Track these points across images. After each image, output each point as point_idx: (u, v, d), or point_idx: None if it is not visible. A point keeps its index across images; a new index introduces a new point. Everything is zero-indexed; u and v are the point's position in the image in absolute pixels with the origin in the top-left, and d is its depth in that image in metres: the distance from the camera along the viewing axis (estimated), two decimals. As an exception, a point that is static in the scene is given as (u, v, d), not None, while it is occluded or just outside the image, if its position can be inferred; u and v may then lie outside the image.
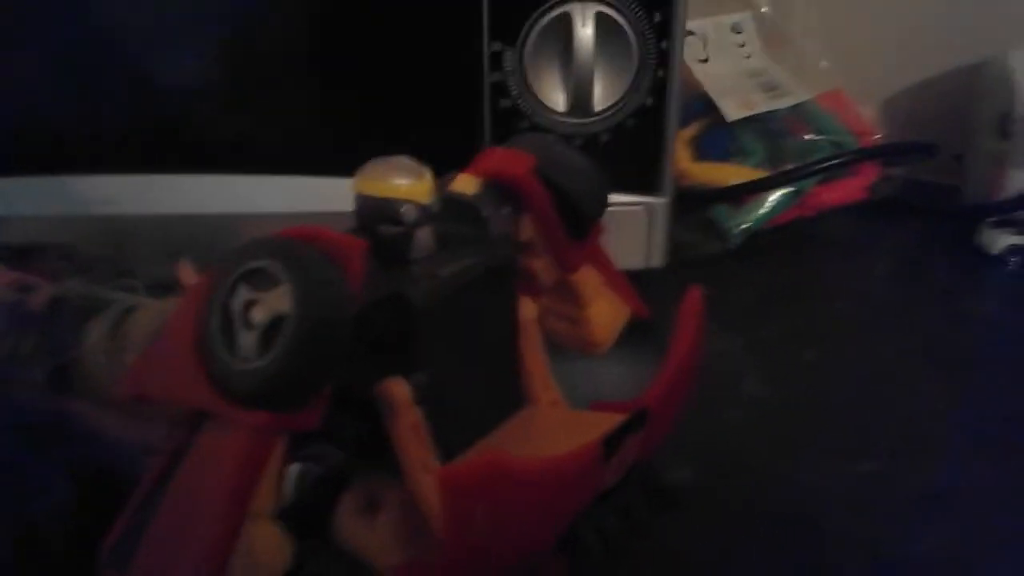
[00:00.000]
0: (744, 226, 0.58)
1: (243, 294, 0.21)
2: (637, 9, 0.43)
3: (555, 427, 0.26)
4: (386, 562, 0.24)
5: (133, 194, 0.45)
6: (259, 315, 0.21)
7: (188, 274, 0.39)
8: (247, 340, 0.21)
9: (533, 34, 0.43)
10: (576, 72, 0.43)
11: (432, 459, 0.24)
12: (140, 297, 0.36)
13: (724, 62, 0.64)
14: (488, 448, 0.25)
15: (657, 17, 0.43)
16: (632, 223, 0.47)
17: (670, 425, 0.26)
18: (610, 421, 0.23)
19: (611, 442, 0.22)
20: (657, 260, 0.48)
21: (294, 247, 0.21)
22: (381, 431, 0.24)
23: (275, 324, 0.21)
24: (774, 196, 0.59)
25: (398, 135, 0.45)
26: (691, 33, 0.63)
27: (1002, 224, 0.58)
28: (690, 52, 0.62)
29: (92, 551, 0.24)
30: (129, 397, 0.24)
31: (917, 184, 0.64)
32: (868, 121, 0.65)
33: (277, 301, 0.21)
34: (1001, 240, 0.57)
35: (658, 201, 0.47)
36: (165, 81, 0.45)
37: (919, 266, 0.58)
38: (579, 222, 0.28)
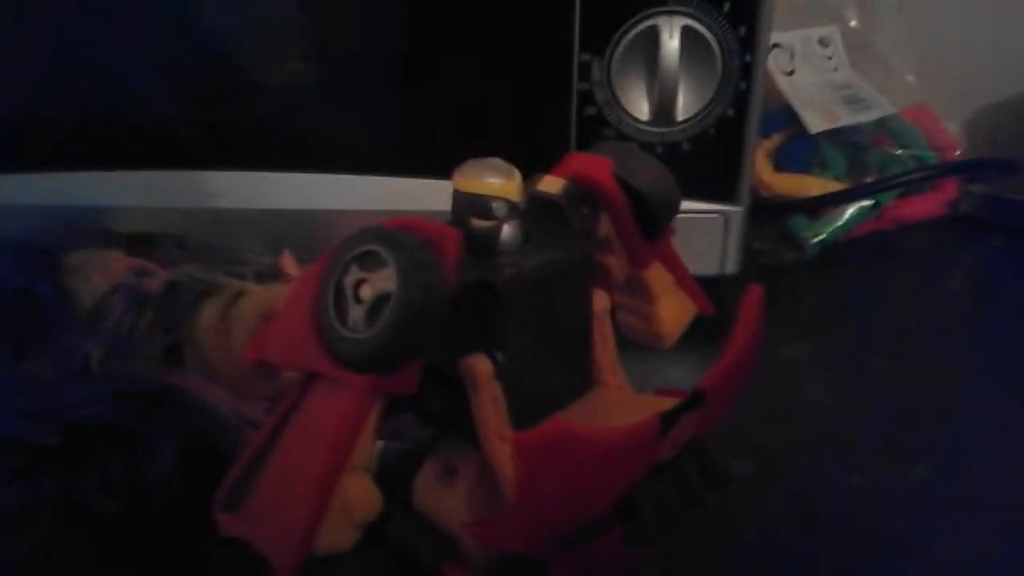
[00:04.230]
0: (821, 237, 0.59)
1: (355, 273, 0.24)
2: (723, 23, 0.44)
3: (620, 406, 0.28)
4: (461, 521, 0.26)
5: (242, 190, 0.47)
6: (367, 292, 0.24)
7: (290, 264, 0.41)
8: (356, 313, 0.24)
9: (621, 46, 0.44)
10: (661, 83, 0.44)
11: (508, 430, 0.26)
12: (247, 284, 0.38)
13: (809, 74, 0.64)
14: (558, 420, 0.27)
15: (742, 31, 0.44)
16: (709, 230, 0.48)
17: (725, 410, 0.27)
18: (669, 403, 0.25)
19: (668, 418, 0.24)
20: (732, 267, 0.49)
21: (400, 235, 0.24)
22: (463, 403, 0.26)
23: (380, 301, 0.23)
24: (852, 208, 0.59)
25: (487, 140, 0.45)
26: (777, 46, 0.63)
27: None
28: (776, 64, 0.62)
29: (193, 514, 0.26)
30: (253, 362, 0.27)
31: (998, 201, 0.63)
32: (951, 137, 0.65)
33: (383, 281, 0.23)
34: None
35: (735, 209, 0.47)
36: (270, 83, 0.47)
37: (995, 282, 0.57)
38: (652, 224, 0.30)
